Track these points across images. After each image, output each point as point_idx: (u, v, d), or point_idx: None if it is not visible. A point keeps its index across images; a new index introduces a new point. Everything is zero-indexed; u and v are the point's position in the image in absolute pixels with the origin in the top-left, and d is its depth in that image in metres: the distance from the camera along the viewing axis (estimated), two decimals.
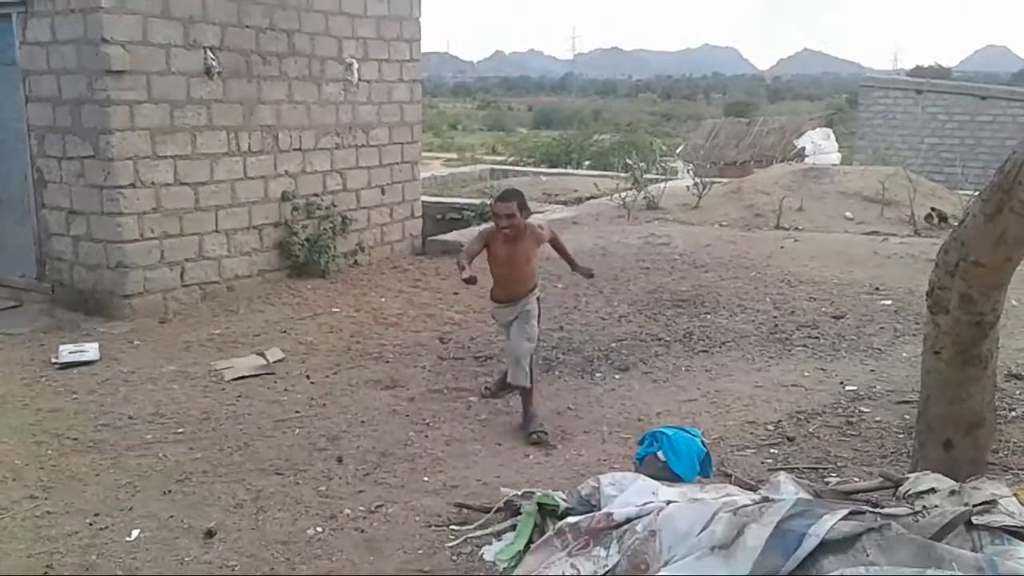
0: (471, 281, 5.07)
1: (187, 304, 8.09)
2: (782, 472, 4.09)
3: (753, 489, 3.93)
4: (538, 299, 5.55)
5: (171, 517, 4.22)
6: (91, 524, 4.16)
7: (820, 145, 23.54)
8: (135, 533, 4.06)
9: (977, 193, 4.17)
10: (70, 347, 6.68)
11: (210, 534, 4.04)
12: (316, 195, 9.35)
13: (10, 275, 8.37)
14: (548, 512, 3.89)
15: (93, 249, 7.78)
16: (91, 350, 6.65)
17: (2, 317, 7.81)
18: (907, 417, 5.16)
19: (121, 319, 7.61)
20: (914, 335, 6.75)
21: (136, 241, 7.72)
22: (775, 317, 7.58)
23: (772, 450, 4.90)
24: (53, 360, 6.53)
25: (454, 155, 30.73)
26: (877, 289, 8.39)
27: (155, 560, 3.85)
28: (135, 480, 4.63)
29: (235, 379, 6.22)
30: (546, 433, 5.12)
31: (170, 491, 4.50)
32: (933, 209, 12.21)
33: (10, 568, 3.78)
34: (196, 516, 4.22)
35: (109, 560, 3.85)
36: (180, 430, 5.31)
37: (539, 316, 5.52)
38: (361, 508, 4.28)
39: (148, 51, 7.66)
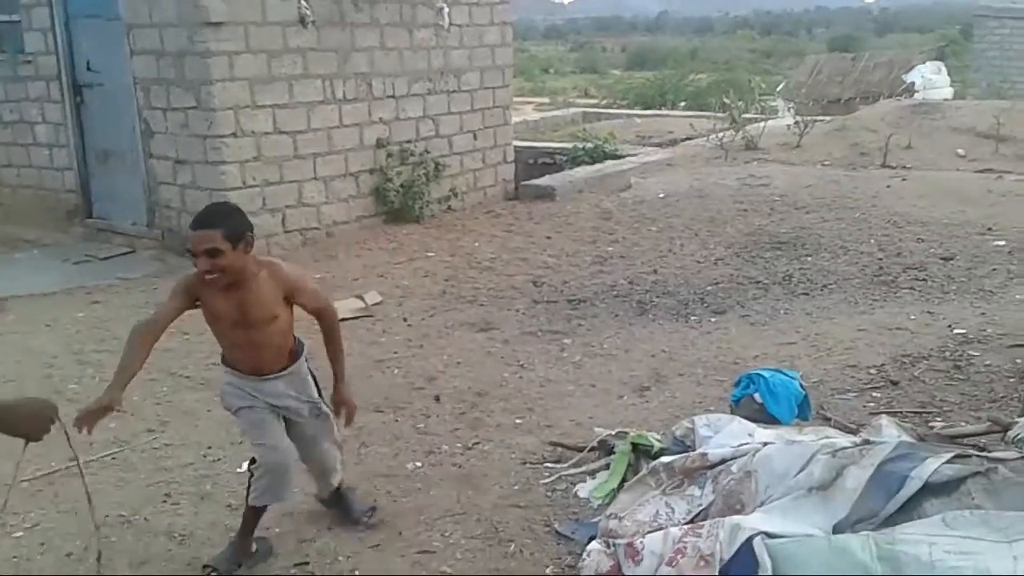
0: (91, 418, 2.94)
1: (288, 249, 8.32)
2: (884, 415, 3.99)
3: (854, 432, 3.85)
4: (309, 367, 3.58)
5: None
6: (204, 456, 4.39)
7: (931, 80, 22.36)
8: (244, 465, 4.24)
9: None
10: None
11: None
12: (409, 141, 9.42)
13: (123, 223, 8.76)
14: (642, 452, 3.91)
15: (199, 197, 8.04)
16: None
17: (117, 263, 8.21)
18: (1019, 361, 4.96)
19: None
20: None
21: (239, 188, 7.95)
22: (880, 259, 7.33)
23: (874, 393, 4.78)
24: None
25: (546, 99, 30.36)
26: (990, 229, 8.02)
27: None
28: None
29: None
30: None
31: None
32: None
33: (132, 495, 4.02)
34: None
35: (222, 489, 4.07)
36: None
37: (318, 388, 3.60)
38: (458, 445, 4.38)
39: (244, 2, 7.79)
